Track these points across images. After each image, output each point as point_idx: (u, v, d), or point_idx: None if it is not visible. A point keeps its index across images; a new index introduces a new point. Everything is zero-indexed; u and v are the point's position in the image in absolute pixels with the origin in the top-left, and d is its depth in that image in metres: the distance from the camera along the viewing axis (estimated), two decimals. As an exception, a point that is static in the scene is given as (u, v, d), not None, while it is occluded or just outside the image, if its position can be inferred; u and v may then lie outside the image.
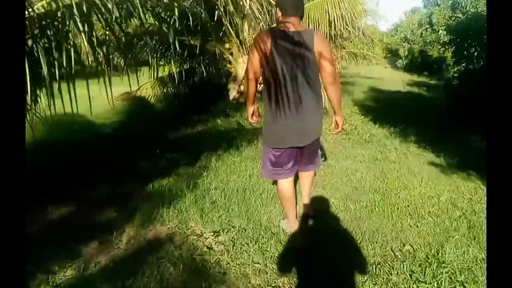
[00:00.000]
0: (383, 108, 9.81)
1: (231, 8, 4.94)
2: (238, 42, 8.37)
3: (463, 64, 9.97)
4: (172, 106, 9.62)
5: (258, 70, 2.73)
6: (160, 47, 8.58)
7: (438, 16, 20.99)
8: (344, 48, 10.81)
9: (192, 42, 8.11)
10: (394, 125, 7.41)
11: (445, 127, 7.41)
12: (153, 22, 8.26)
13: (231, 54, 8.90)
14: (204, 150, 5.29)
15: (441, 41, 18.63)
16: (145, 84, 9.25)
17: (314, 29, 7.10)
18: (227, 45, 8.83)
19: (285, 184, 2.96)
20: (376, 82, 17.11)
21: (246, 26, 8.47)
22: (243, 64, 8.24)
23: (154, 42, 8.07)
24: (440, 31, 18.63)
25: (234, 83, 8.98)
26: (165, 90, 9.75)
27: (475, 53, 9.11)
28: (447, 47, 19.71)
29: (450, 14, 18.40)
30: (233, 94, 8.96)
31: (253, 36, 7.80)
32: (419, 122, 7.95)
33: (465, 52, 9.49)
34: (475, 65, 9.05)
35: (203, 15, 7.80)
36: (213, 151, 5.23)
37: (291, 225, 3.07)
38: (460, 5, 16.69)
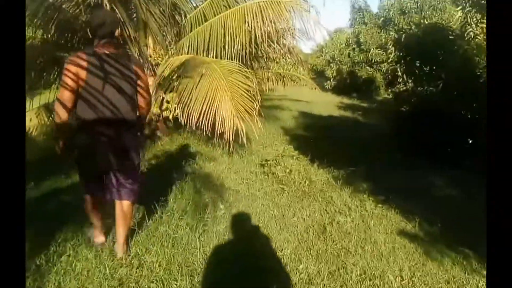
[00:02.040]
0: (319, 140, 8.18)
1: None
2: (141, 60, 6.63)
3: (409, 85, 8.47)
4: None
5: (72, 98, 2.55)
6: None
7: (366, 35, 20.33)
8: (269, 69, 9.44)
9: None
10: (337, 165, 5.76)
11: (400, 165, 5.87)
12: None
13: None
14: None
15: (373, 61, 17.72)
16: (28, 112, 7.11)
17: (231, 41, 5.66)
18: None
19: (91, 200, 2.87)
20: (305, 105, 15.71)
21: (150, 42, 7.00)
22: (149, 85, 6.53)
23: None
24: (372, 50, 17.72)
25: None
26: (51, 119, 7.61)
27: (432, 72, 7.69)
28: (375, 67, 19.04)
29: (380, 33, 17.55)
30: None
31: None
32: (366, 159, 6.43)
33: (416, 71, 8.06)
34: (428, 86, 7.65)
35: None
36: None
37: (97, 237, 2.98)
38: (392, 22, 15.70)
